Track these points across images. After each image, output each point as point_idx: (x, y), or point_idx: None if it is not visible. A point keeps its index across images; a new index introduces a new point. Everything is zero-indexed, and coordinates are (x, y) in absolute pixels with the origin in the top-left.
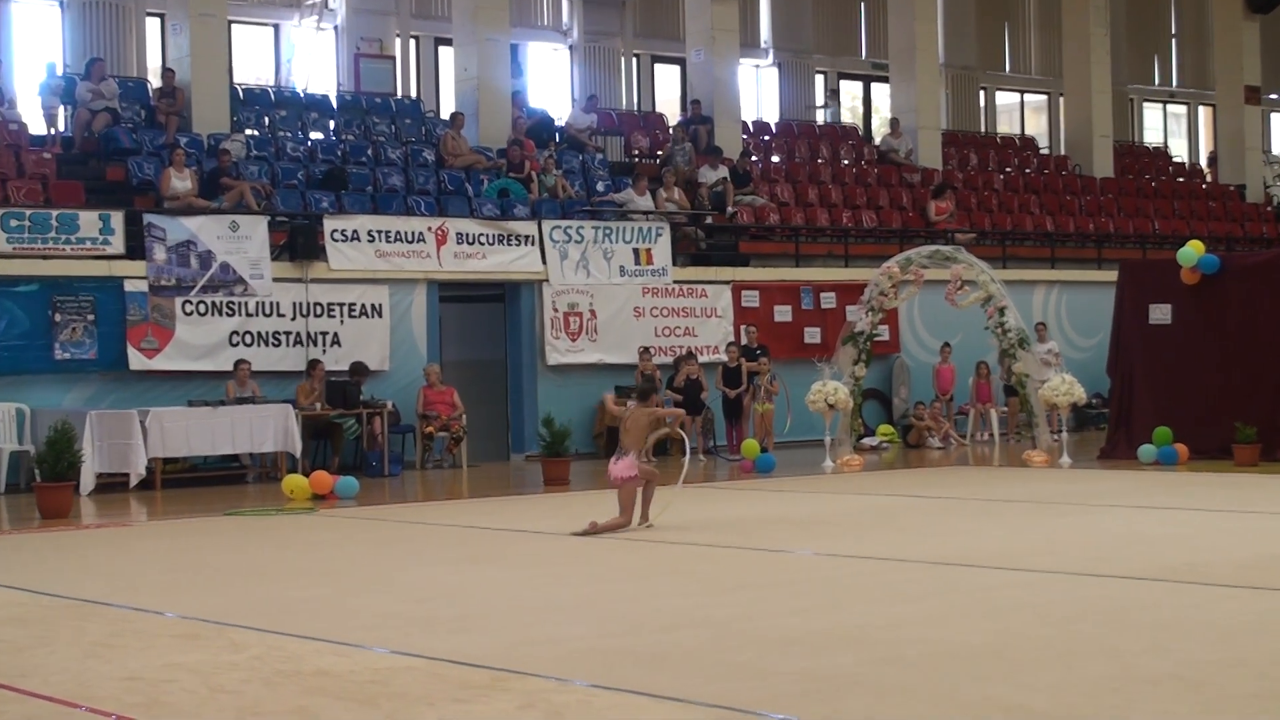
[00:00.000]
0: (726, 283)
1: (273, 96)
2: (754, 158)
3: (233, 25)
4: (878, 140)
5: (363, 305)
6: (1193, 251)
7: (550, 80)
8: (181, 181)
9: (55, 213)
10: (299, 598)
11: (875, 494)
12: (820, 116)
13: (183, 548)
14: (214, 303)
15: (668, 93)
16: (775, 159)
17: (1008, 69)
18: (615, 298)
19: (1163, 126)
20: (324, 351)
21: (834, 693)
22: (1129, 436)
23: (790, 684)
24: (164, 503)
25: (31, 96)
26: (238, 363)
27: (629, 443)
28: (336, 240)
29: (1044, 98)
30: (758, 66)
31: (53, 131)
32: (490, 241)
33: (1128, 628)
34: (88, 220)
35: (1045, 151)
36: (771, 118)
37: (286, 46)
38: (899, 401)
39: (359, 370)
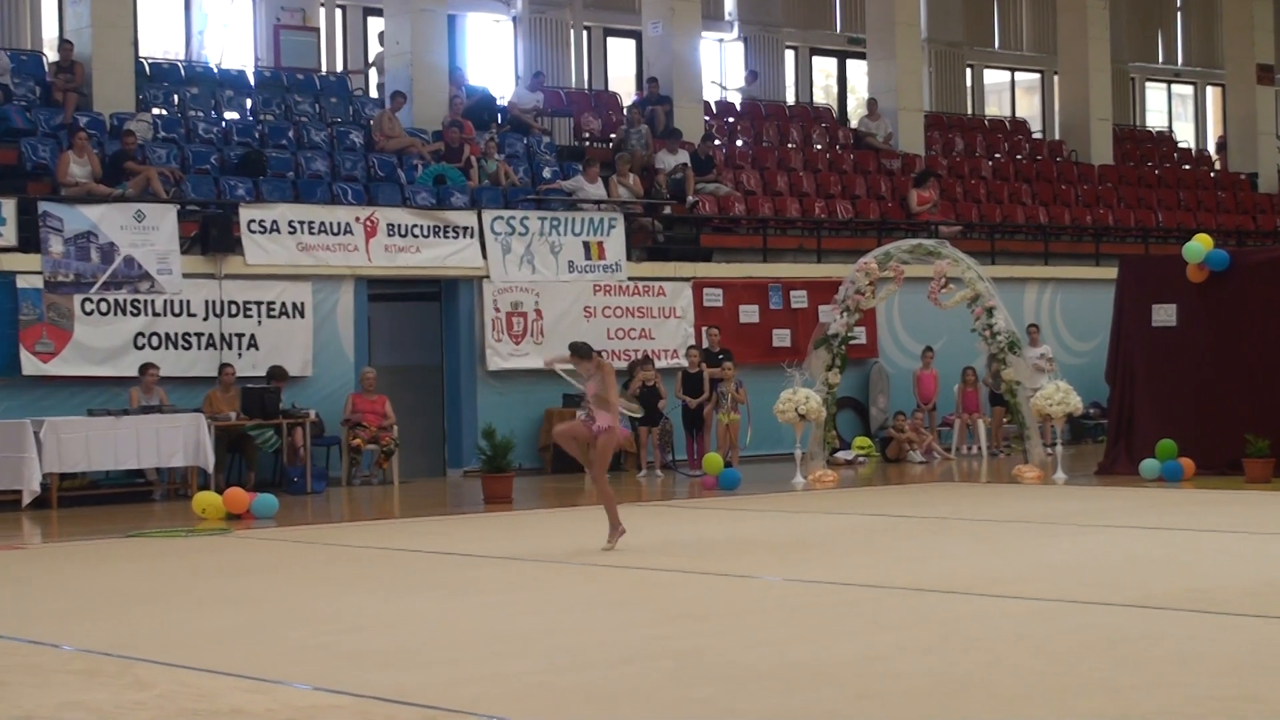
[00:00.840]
0: (687, 280)
1: (183, 72)
2: (717, 141)
3: None
4: (854, 123)
5: (283, 304)
6: (1200, 246)
7: (492, 56)
8: (81, 166)
9: None
10: (212, 628)
11: (851, 513)
12: (735, 98)
13: (82, 573)
14: (117, 301)
15: (622, 70)
16: (740, 143)
17: (997, 45)
18: (563, 296)
19: (1167, 109)
20: (239, 355)
21: None
22: (1130, 450)
23: None
24: (61, 523)
25: None
26: (144, 367)
27: (596, 405)
28: (254, 232)
29: (1037, 76)
30: (721, 41)
31: None
32: (425, 234)
33: (1127, 660)
34: None
35: (1038, 136)
36: (735, 97)
37: (198, 16)
38: (877, 411)
39: (278, 375)
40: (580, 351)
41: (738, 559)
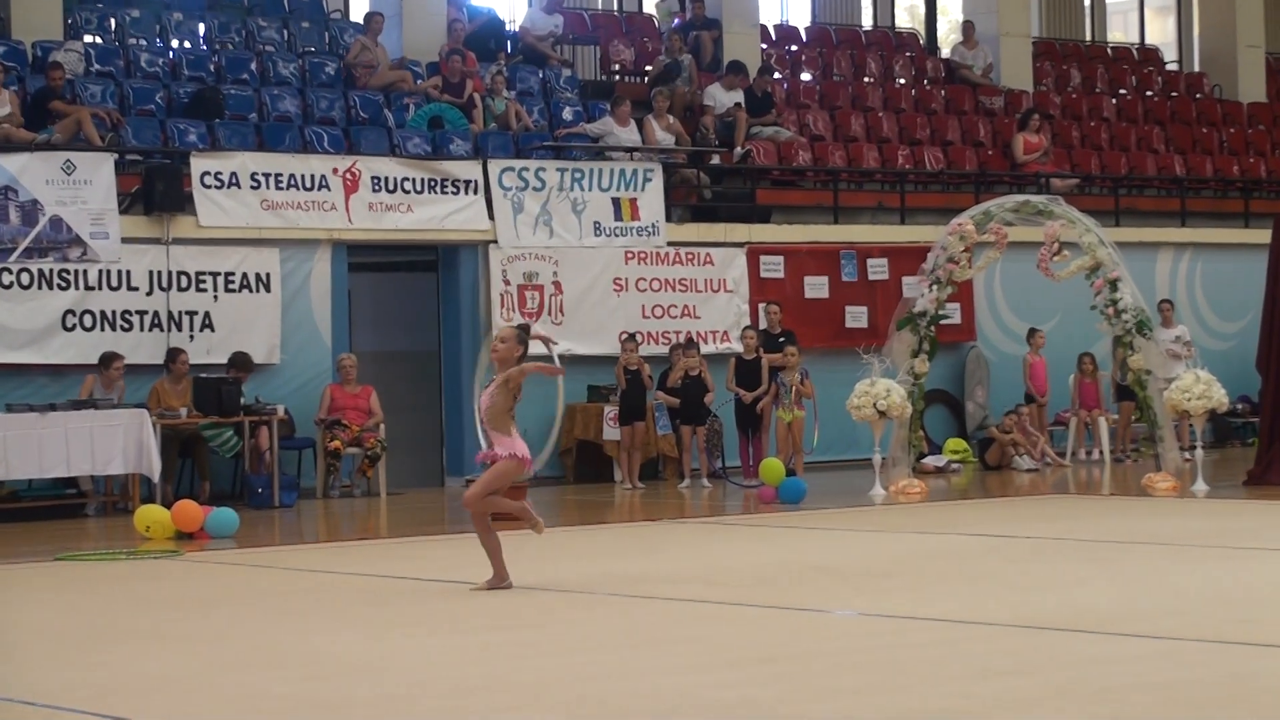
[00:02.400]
0: (740, 245)
1: None
2: (777, 75)
3: None
4: (946, 52)
5: (244, 276)
6: None
7: None
8: None
9: None
10: (156, 673)
11: (943, 533)
12: (800, 20)
13: None
14: (41, 271)
15: None
16: (806, 77)
17: None
18: (588, 266)
19: None
20: (191, 338)
21: None
22: None
23: None
24: None
25: None
26: (109, 358)
27: (494, 426)
28: (208, 187)
29: None
30: None
31: None
32: (418, 188)
33: None
34: None
35: (1173, 68)
36: (801, 21)
37: None
38: (974, 407)
39: (240, 364)
40: (520, 338)
41: (803, 589)
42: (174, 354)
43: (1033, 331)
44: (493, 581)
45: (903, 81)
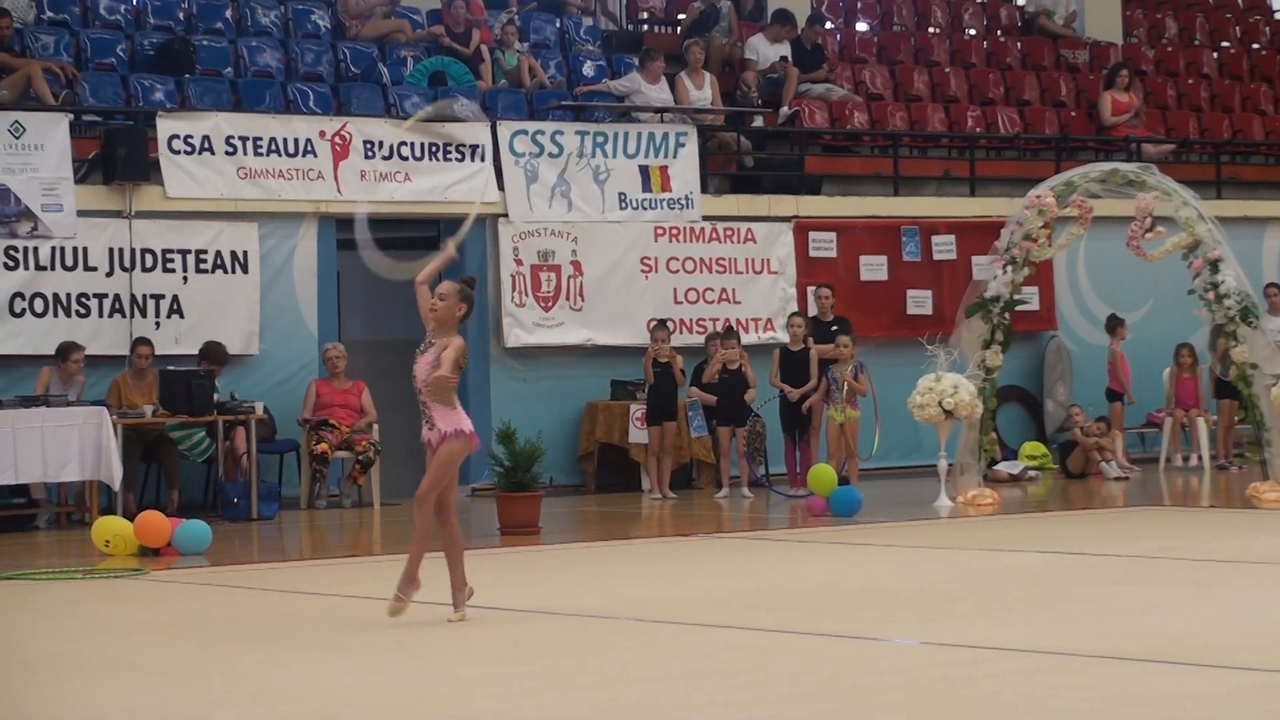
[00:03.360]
0: (786, 220)
1: None
2: (829, 25)
3: None
4: None
5: (217, 254)
6: None
7: None
8: None
9: None
10: (117, 707)
11: (1017, 549)
12: None
13: None
14: None
15: None
16: (863, 27)
17: None
18: (612, 243)
19: None
20: (157, 325)
21: None
22: None
23: None
24: None
25: None
26: (68, 348)
27: (436, 398)
28: (177, 152)
29: None
30: None
31: None
32: (417, 154)
33: None
34: None
35: None
36: None
37: None
38: (1054, 406)
39: (212, 355)
40: (464, 294)
41: (858, 614)
42: (135, 345)
43: (1114, 320)
44: (459, 599)
45: (973, 32)
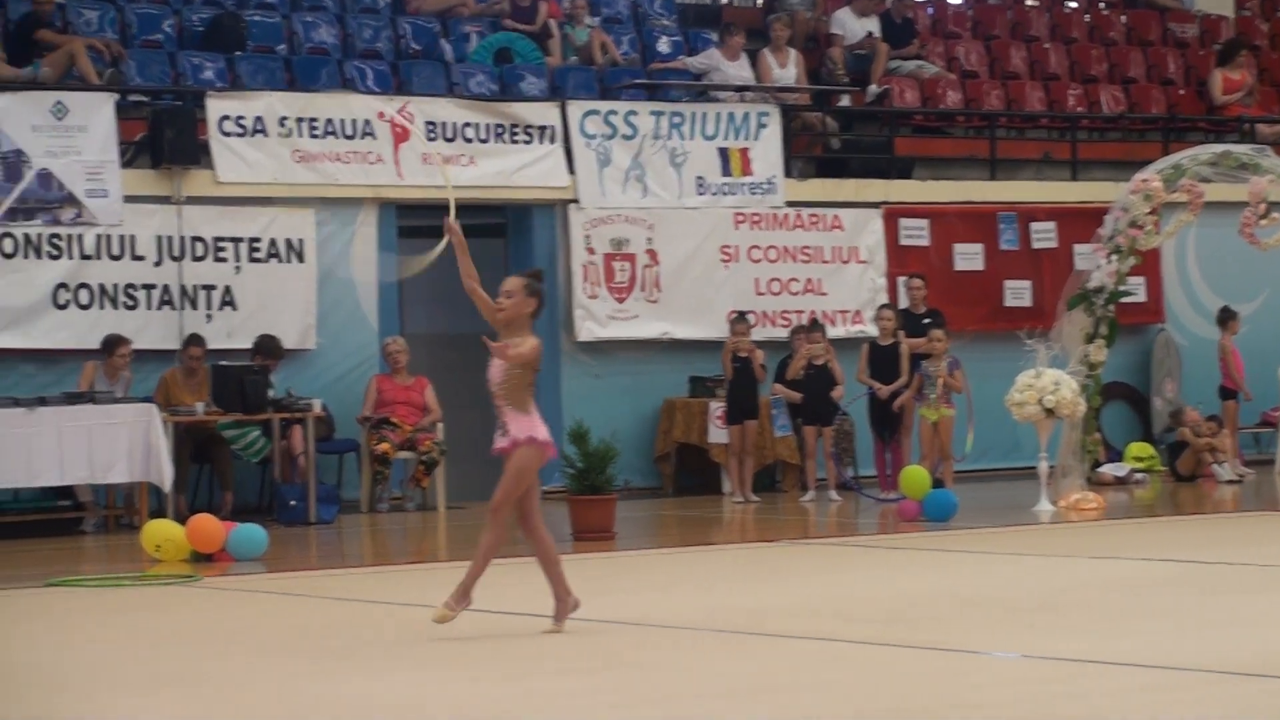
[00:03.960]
0: (875, 206)
1: None
2: None
3: None
4: None
5: (272, 242)
6: None
7: None
8: None
9: None
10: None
11: (1124, 557)
12: None
13: None
14: (28, 236)
15: None
16: (956, 0)
17: None
18: (690, 231)
19: None
20: (208, 318)
21: None
22: None
23: None
24: None
25: None
26: (114, 342)
27: (510, 402)
28: (228, 134)
29: None
30: None
31: None
32: (482, 136)
33: None
34: None
35: None
36: None
37: None
38: (1163, 404)
39: (267, 349)
40: (531, 289)
41: (954, 626)
42: (189, 343)
43: (1226, 312)
44: (562, 610)
45: (1074, 5)
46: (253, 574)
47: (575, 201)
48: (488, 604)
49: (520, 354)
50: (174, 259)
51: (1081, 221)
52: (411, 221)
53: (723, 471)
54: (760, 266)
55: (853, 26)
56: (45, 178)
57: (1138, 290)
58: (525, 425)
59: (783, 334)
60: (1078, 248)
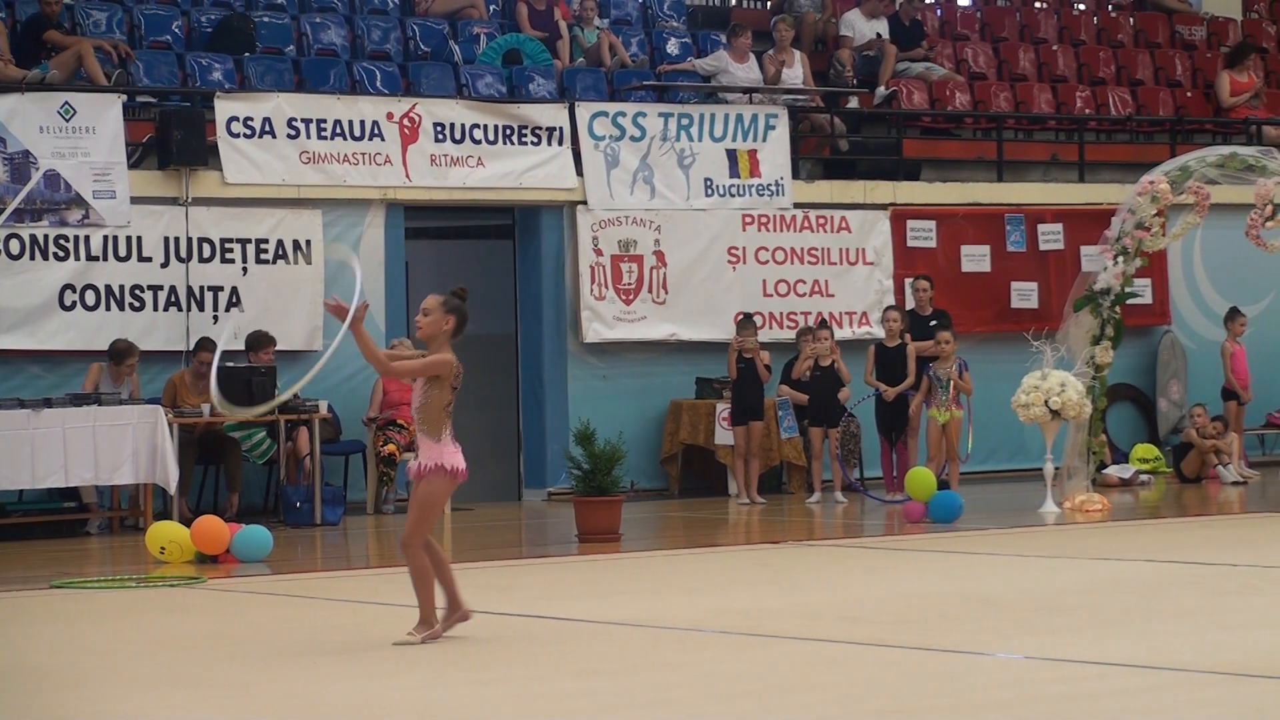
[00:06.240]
0: (883, 207)
1: None
2: (929, 0)
3: None
4: None
5: (279, 244)
6: None
7: None
8: None
9: None
10: None
11: (1129, 559)
12: None
13: None
14: (34, 238)
15: None
16: (965, 2)
17: None
18: (698, 232)
19: None
20: (215, 319)
21: None
22: None
23: None
24: None
25: None
26: (121, 350)
27: (424, 427)
28: (236, 136)
29: None
30: None
31: None
32: (490, 138)
33: None
34: None
35: None
36: None
37: None
38: (1168, 406)
39: (256, 344)
40: (449, 305)
41: (959, 627)
42: (199, 348)
43: (1233, 314)
44: (423, 627)
45: (1082, 8)
46: (258, 576)
47: (583, 203)
48: (493, 606)
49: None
50: (181, 260)
51: (1088, 223)
52: (419, 223)
53: (729, 473)
54: (768, 268)
55: (860, 28)
56: (53, 178)
57: (1144, 292)
58: (434, 453)
59: (790, 336)
60: (1085, 249)
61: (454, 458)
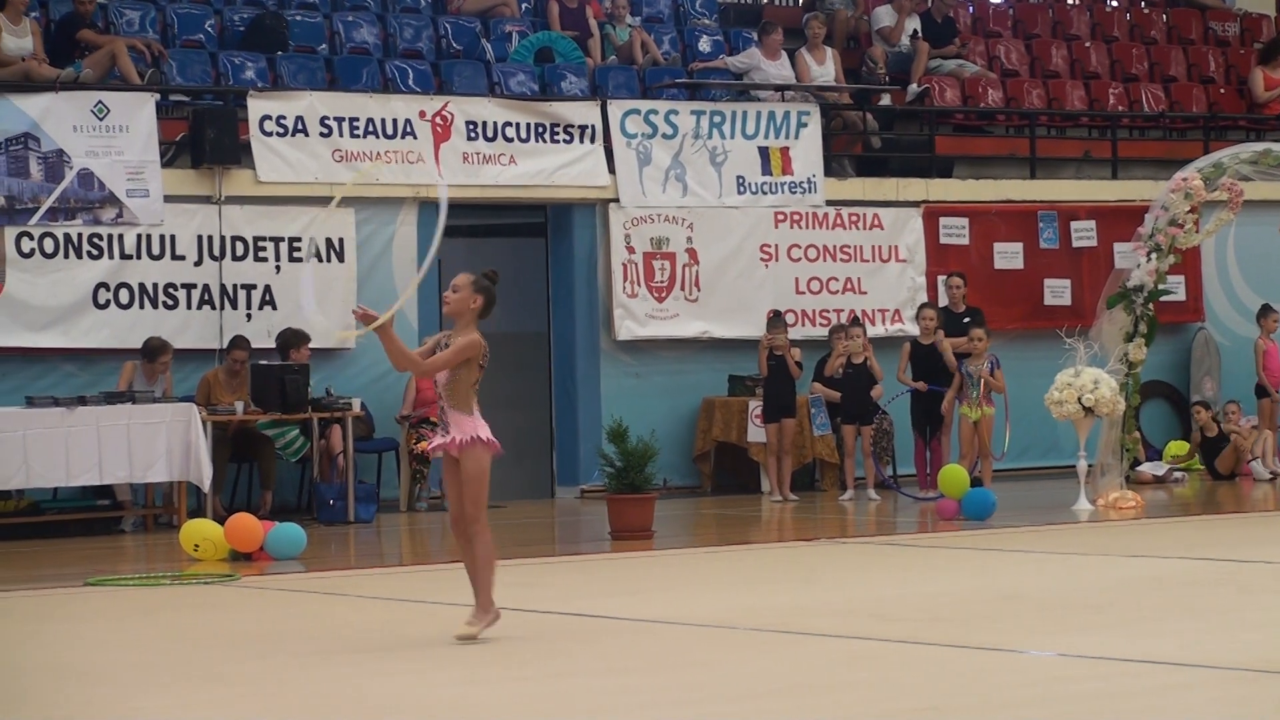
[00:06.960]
0: (915, 204)
1: None
2: None
3: None
4: None
5: (313, 241)
6: None
7: None
8: (15, 37)
9: None
10: None
11: (1163, 555)
12: None
13: (13, 639)
14: (68, 236)
15: None
16: (996, 0)
17: None
18: (730, 230)
19: None
20: (248, 317)
21: None
22: None
23: None
24: None
25: None
26: (155, 347)
27: (454, 404)
28: (268, 134)
29: None
30: None
31: None
32: (523, 136)
33: None
34: None
35: None
36: None
37: None
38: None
39: (287, 342)
40: (479, 285)
41: (991, 625)
42: (233, 346)
43: (1266, 310)
44: (480, 616)
45: (1115, 4)
46: (291, 573)
47: (615, 200)
48: (526, 604)
49: (450, 351)
50: (214, 259)
51: (1121, 220)
52: (451, 221)
53: (762, 471)
54: (800, 265)
55: (888, 21)
56: (86, 177)
57: (1177, 289)
58: (469, 425)
59: (823, 333)
60: (1118, 246)
61: (487, 431)
